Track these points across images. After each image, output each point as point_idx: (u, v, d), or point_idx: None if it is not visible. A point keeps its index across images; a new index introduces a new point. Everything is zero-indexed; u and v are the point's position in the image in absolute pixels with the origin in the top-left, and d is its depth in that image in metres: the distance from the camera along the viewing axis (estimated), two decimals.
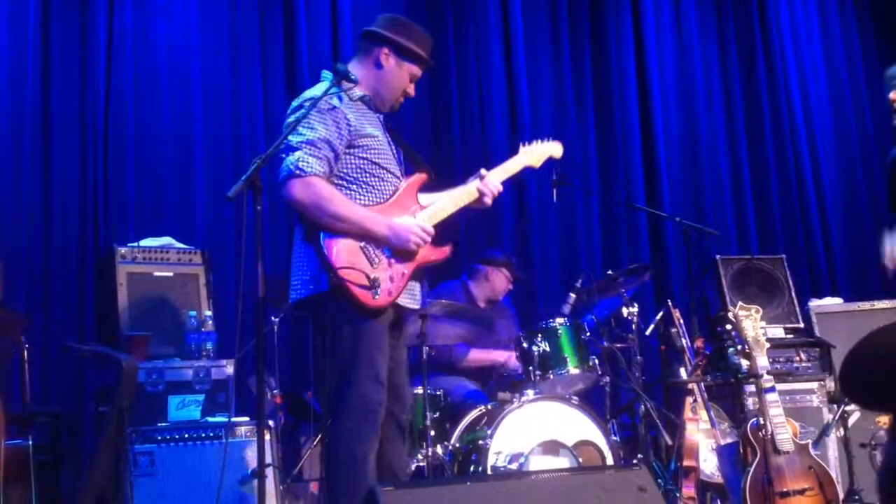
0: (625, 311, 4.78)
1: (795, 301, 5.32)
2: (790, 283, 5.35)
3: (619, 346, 4.75)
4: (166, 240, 4.59)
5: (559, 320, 4.58)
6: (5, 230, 4.86)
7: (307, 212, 3.18)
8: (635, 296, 5.03)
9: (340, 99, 3.29)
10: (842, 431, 4.85)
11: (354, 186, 3.27)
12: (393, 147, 3.46)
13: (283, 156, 3.19)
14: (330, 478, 3.14)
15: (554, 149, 3.78)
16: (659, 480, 4.21)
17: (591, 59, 6.69)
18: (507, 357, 5.00)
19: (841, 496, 3.90)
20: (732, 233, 6.76)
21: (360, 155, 3.28)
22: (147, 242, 4.52)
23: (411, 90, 3.48)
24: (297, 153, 3.16)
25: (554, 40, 6.63)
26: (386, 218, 3.26)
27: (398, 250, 3.23)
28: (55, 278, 4.94)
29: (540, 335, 4.50)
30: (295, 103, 3.32)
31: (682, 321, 4.44)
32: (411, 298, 3.36)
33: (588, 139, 6.57)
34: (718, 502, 4.25)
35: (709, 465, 4.21)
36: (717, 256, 5.40)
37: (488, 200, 3.49)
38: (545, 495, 3.31)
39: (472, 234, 5.96)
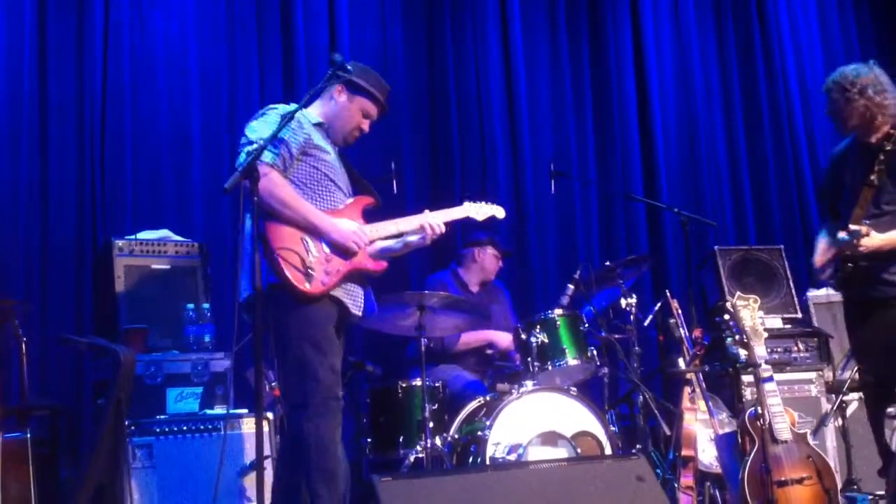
0: (623, 301, 4.79)
1: (793, 291, 5.32)
2: (788, 273, 5.35)
3: (617, 336, 4.75)
4: (164, 232, 4.59)
5: (557, 311, 4.59)
6: (3, 223, 4.85)
7: (258, 196, 3.27)
8: (633, 287, 5.04)
9: (299, 117, 3.49)
10: (840, 421, 4.86)
11: (304, 190, 3.44)
12: (345, 174, 3.67)
13: (240, 150, 3.41)
14: (304, 467, 3.19)
15: (497, 211, 4.02)
16: (657, 470, 4.22)
17: (588, 52, 6.69)
18: (500, 337, 4.99)
19: (839, 485, 3.90)
20: (730, 223, 6.77)
21: (312, 164, 3.48)
22: (144, 235, 4.52)
23: (365, 126, 3.69)
24: (255, 145, 3.33)
25: (552, 33, 6.62)
26: (329, 216, 3.44)
27: (336, 249, 3.40)
28: (53, 271, 4.93)
29: (538, 326, 4.50)
30: (261, 111, 3.56)
31: (680, 312, 4.43)
32: (353, 303, 3.48)
33: (586, 130, 6.56)
34: (717, 492, 4.26)
35: (707, 454, 4.21)
36: (716, 247, 5.40)
37: (429, 233, 3.64)
38: (544, 485, 3.32)
39: (469, 226, 5.94)
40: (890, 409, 4.38)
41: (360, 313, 3.52)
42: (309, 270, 3.29)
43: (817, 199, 4.30)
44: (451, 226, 5.75)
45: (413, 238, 3.67)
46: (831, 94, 3.84)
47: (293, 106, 3.55)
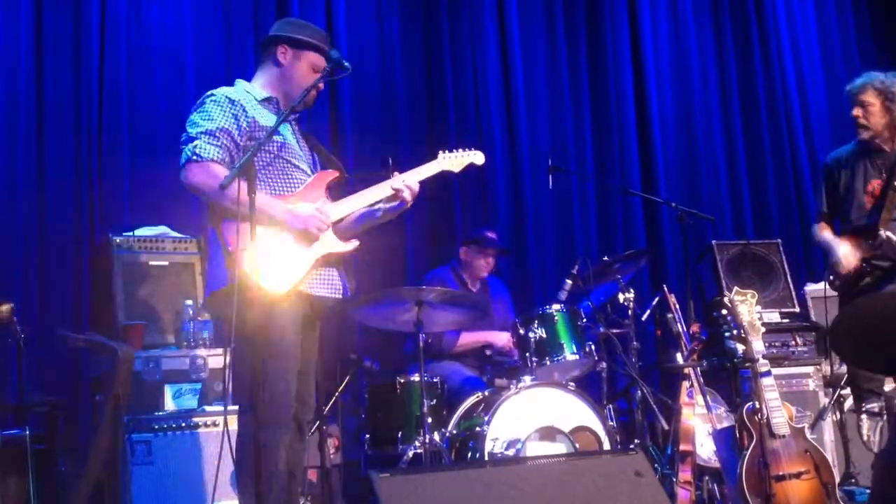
0: (621, 296, 4.79)
1: (791, 286, 5.32)
2: (786, 267, 5.35)
3: (615, 331, 4.75)
4: (161, 229, 4.59)
5: (555, 307, 4.59)
6: (0, 221, 4.84)
7: (202, 195, 3.20)
8: (631, 281, 5.04)
9: (241, 98, 3.32)
10: (838, 415, 4.86)
11: (257, 179, 3.20)
12: (304, 148, 3.49)
13: (182, 147, 3.24)
14: (242, 467, 3.11)
15: (475, 157, 3.74)
16: (655, 465, 4.22)
17: (586, 44, 6.69)
18: (499, 338, 4.99)
19: (837, 479, 3.91)
20: (728, 218, 6.77)
21: (264, 148, 3.26)
22: (142, 232, 4.52)
23: (319, 83, 3.44)
24: (196, 141, 3.21)
25: (549, 27, 6.62)
26: (284, 204, 3.25)
27: (299, 239, 3.23)
28: (51, 268, 4.92)
29: (536, 321, 4.50)
30: (199, 100, 3.36)
31: (677, 306, 4.44)
32: (328, 288, 3.34)
33: (583, 124, 6.57)
34: (715, 486, 4.26)
35: (705, 449, 4.21)
36: (713, 241, 5.40)
37: (407, 196, 3.42)
38: (542, 481, 3.32)
39: (467, 221, 5.95)
40: (872, 406, 4.40)
41: (339, 296, 3.38)
42: (272, 269, 3.13)
43: (817, 199, 4.35)
44: (453, 222, 5.81)
45: (389, 204, 3.44)
46: (866, 96, 3.86)
47: (235, 87, 3.39)
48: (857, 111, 3.95)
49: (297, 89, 3.40)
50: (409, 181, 3.44)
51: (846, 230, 4.11)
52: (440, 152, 3.66)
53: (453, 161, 3.66)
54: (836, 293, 4.45)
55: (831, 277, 4.22)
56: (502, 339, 4.99)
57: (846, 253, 4.05)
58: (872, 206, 3.90)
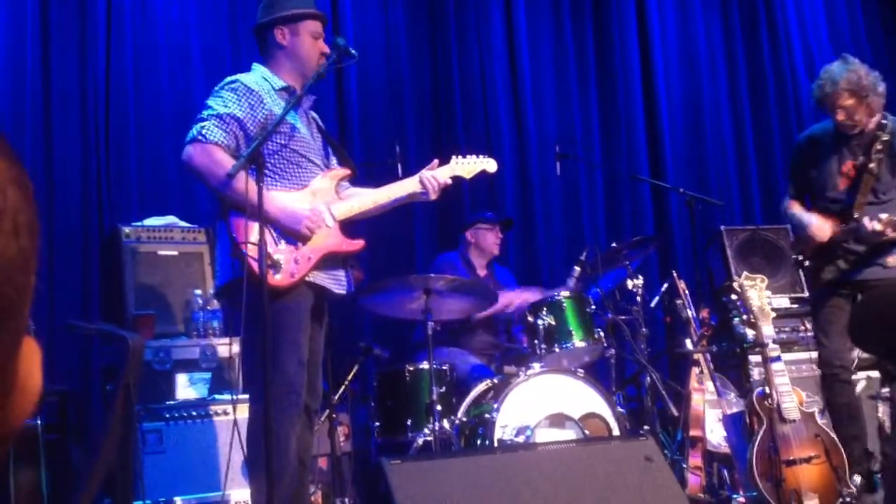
0: (629, 283, 4.78)
1: (800, 271, 5.30)
2: None
3: (624, 318, 4.74)
4: (170, 219, 4.59)
5: (564, 293, 4.58)
6: None
7: (200, 177, 3.18)
8: (640, 268, 5.03)
9: (260, 88, 3.29)
10: None
11: (266, 171, 3.18)
12: (318, 141, 3.47)
13: (193, 124, 3.23)
14: (252, 457, 3.09)
15: (488, 164, 3.73)
16: (665, 451, 4.22)
17: (592, 30, 6.67)
18: (516, 297, 4.95)
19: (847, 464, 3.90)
20: (737, 203, 6.76)
21: (279, 141, 3.24)
22: (151, 222, 4.53)
23: (325, 47, 3.40)
24: (204, 123, 3.19)
25: (555, 14, 6.59)
26: (281, 200, 3.21)
27: (298, 236, 3.21)
28: (60, 259, 4.94)
29: (545, 309, 4.50)
30: (219, 84, 3.34)
31: (687, 292, 4.43)
32: (335, 283, 3.35)
33: (590, 111, 6.55)
34: (725, 472, 4.26)
35: (715, 435, 4.22)
36: (722, 227, 5.39)
37: (433, 195, 3.46)
38: (552, 467, 3.33)
39: (475, 209, 5.95)
40: (883, 390, 4.38)
41: (343, 291, 3.38)
42: (277, 262, 3.12)
43: (788, 178, 4.34)
44: (460, 210, 5.81)
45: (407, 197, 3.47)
46: (841, 101, 3.85)
47: (253, 72, 3.37)
48: (840, 116, 3.90)
49: (308, 62, 3.36)
50: (438, 176, 3.46)
51: (819, 210, 4.08)
52: (453, 157, 3.66)
53: (466, 167, 3.66)
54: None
55: (799, 257, 4.16)
56: (520, 297, 4.94)
57: (819, 224, 4.00)
58: (847, 187, 3.87)
